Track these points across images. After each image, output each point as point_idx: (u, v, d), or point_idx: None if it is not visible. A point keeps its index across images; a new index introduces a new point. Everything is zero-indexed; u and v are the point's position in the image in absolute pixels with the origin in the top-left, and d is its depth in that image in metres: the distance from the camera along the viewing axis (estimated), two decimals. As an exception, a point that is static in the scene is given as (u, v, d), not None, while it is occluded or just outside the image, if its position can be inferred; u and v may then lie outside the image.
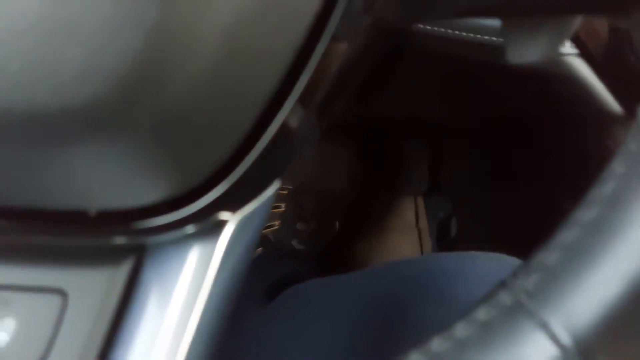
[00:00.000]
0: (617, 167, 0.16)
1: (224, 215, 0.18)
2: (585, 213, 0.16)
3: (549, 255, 0.16)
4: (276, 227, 0.86)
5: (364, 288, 0.46)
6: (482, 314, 0.17)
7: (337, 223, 0.90)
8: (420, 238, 0.98)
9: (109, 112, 0.13)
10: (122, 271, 0.18)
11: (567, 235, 0.16)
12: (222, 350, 0.20)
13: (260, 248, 0.79)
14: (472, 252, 0.46)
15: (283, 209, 0.87)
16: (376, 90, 0.55)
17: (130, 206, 0.17)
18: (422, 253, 0.97)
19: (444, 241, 0.89)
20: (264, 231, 0.84)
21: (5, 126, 0.13)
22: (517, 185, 0.73)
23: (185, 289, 0.18)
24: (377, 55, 0.23)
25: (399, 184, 0.98)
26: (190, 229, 0.18)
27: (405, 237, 0.98)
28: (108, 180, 0.15)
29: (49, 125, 0.13)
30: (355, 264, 0.92)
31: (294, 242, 0.85)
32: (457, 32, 0.39)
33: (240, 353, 0.49)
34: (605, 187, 0.16)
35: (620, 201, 0.15)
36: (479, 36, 0.39)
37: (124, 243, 0.18)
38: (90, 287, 0.18)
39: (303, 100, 0.18)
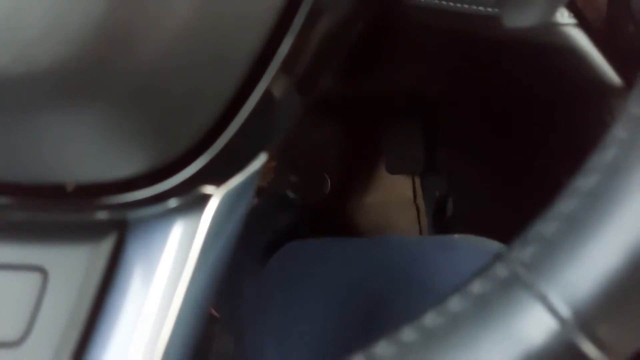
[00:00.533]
0: (619, 132, 0.15)
1: (207, 189, 0.17)
2: (585, 181, 0.15)
3: (546, 226, 0.15)
4: (270, 179, 0.88)
5: (357, 264, 0.46)
6: (476, 287, 0.16)
7: (327, 178, 0.93)
8: (418, 215, 0.98)
9: (78, 75, 0.12)
10: (104, 248, 0.18)
11: (565, 204, 0.15)
12: (221, 308, 0.19)
13: (257, 199, 0.80)
14: (458, 239, 0.45)
15: (276, 163, 0.89)
16: (366, 64, 0.54)
17: (109, 179, 0.16)
18: (420, 230, 0.97)
19: (440, 219, 0.89)
20: (260, 182, 0.86)
21: None
22: (514, 162, 0.72)
23: (169, 265, 0.18)
24: (362, 25, 0.22)
25: (395, 162, 0.97)
26: (172, 203, 0.17)
27: (403, 213, 0.98)
28: (83, 151, 0.15)
29: (13, 91, 0.12)
30: (351, 228, 0.93)
31: (288, 192, 0.88)
32: (449, 2, 0.38)
33: (239, 311, 0.50)
34: (605, 154, 0.15)
35: (622, 168, 0.15)
36: (473, 7, 0.38)
37: (105, 219, 0.17)
38: (71, 264, 0.17)
39: (285, 68, 0.17)
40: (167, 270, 0.18)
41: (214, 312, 0.72)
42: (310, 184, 0.91)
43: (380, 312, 0.40)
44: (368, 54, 0.47)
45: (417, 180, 1.00)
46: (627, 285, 0.14)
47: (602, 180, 0.15)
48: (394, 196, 0.99)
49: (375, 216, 0.98)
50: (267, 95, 0.17)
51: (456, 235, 0.47)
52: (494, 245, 0.42)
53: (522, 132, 0.67)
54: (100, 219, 0.17)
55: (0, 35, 0.11)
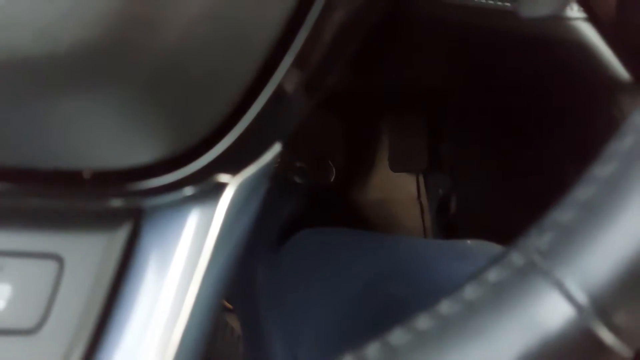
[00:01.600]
0: (637, 120, 0.15)
1: (223, 177, 0.18)
2: (603, 169, 0.15)
3: (563, 213, 0.15)
4: (277, 165, 0.90)
5: (370, 262, 0.46)
6: (492, 275, 0.16)
7: (332, 166, 0.95)
8: (422, 213, 0.98)
9: (98, 56, 0.12)
10: (119, 235, 0.18)
11: (582, 192, 0.15)
12: (233, 297, 0.19)
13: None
14: (471, 246, 0.45)
15: (283, 150, 0.91)
16: (377, 57, 0.54)
17: (126, 166, 0.16)
18: (424, 228, 0.97)
19: (443, 218, 0.89)
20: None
21: None
22: (518, 159, 0.72)
23: (185, 254, 0.18)
24: (374, 21, 0.22)
25: (398, 159, 0.98)
26: (188, 191, 0.17)
27: (406, 210, 0.99)
28: (101, 136, 0.15)
29: (33, 74, 0.12)
30: (356, 222, 0.94)
31: (295, 178, 0.89)
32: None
33: (250, 300, 0.50)
34: (624, 141, 0.15)
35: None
36: (482, 1, 0.38)
37: (121, 206, 0.18)
38: (88, 252, 0.17)
39: (301, 59, 0.17)
40: (182, 260, 0.18)
41: (224, 301, 0.72)
42: (316, 170, 0.93)
43: (392, 315, 0.40)
44: (379, 47, 0.47)
45: (422, 178, 1.00)
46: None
47: (619, 167, 0.15)
48: (398, 193, 0.99)
49: (379, 212, 0.99)
50: (284, 84, 0.17)
51: (469, 241, 0.47)
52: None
53: (528, 128, 0.67)
54: (116, 206, 0.17)
55: (21, 16, 0.11)
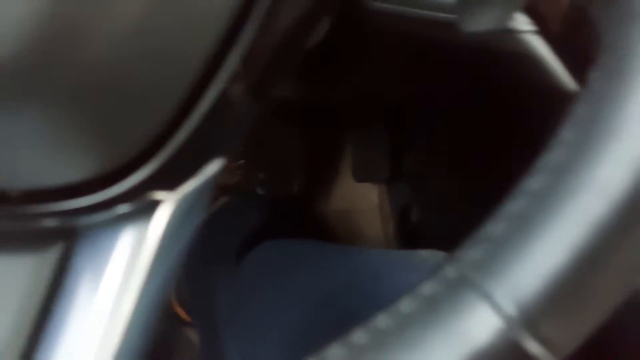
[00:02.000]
0: (566, 133, 0.15)
1: (158, 194, 0.17)
2: (532, 182, 0.16)
3: (495, 226, 0.16)
4: (239, 177, 0.90)
5: (329, 275, 0.47)
6: (427, 288, 0.16)
7: (295, 177, 0.95)
8: (384, 222, 0.99)
9: (19, 75, 0.12)
10: (50, 256, 0.17)
11: (513, 205, 0.16)
12: (191, 311, 0.19)
13: (226, 197, 0.81)
14: (425, 256, 0.46)
15: (244, 161, 0.91)
16: (328, 69, 0.54)
17: (55, 185, 0.16)
18: (386, 237, 0.98)
19: (405, 227, 0.90)
20: (229, 181, 0.88)
21: None
22: (475, 168, 0.73)
23: (119, 274, 0.17)
24: (322, 29, 0.22)
25: (361, 169, 0.98)
26: (122, 209, 0.17)
27: (369, 220, 0.99)
28: (26, 154, 0.14)
29: None
30: (318, 232, 0.95)
31: (258, 189, 0.89)
32: (410, 8, 0.39)
33: (209, 314, 0.50)
34: (553, 155, 0.15)
35: (568, 169, 0.15)
36: (433, 13, 0.38)
37: (52, 226, 0.17)
38: (17, 274, 0.17)
39: (241, 69, 0.17)
40: (116, 279, 0.17)
41: (183, 314, 0.71)
42: (279, 181, 0.93)
43: (347, 329, 0.40)
44: (330, 58, 0.47)
45: (384, 187, 1.01)
46: (570, 283, 0.15)
47: (548, 180, 0.15)
48: (361, 203, 1.00)
49: (342, 222, 0.99)
50: (222, 97, 0.17)
51: (423, 252, 0.47)
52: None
53: (483, 138, 0.68)
54: (47, 226, 0.17)
55: None
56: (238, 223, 0.73)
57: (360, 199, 1.01)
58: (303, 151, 1.01)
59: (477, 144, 0.70)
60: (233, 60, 0.16)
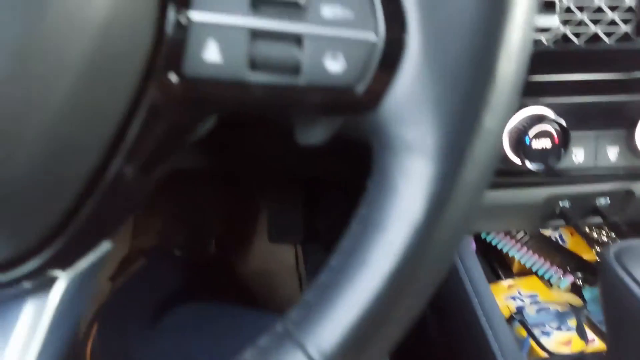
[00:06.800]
0: (354, 227, 0.22)
1: (55, 272, 0.22)
2: (334, 260, 0.22)
3: (309, 293, 0.22)
4: (156, 240, 0.90)
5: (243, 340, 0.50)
6: (263, 341, 0.22)
7: (212, 238, 0.96)
8: (300, 283, 1.03)
9: None
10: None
11: (322, 277, 0.22)
12: None
13: (143, 259, 0.81)
14: None
15: (161, 224, 0.91)
16: (229, 143, 0.59)
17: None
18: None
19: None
20: (146, 243, 0.88)
21: None
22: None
23: (20, 340, 0.22)
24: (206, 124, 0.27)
25: (276, 231, 1.02)
26: (23, 286, 0.21)
27: (285, 280, 1.03)
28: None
29: None
30: (236, 292, 0.96)
31: (175, 251, 0.89)
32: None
33: None
34: (345, 242, 0.22)
35: (355, 252, 0.21)
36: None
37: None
38: None
39: (128, 161, 0.21)
40: (17, 345, 0.22)
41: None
42: (196, 243, 0.94)
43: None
44: (225, 135, 0.52)
45: (300, 248, 1.06)
46: (360, 335, 0.21)
47: (342, 259, 0.21)
48: (277, 264, 1.04)
49: (258, 282, 1.02)
50: (113, 183, 0.21)
51: None
52: None
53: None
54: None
55: None
56: (155, 285, 0.74)
57: (276, 259, 1.05)
58: (219, 213, 1.03)
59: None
60: (122, 153, 0.21)
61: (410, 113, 0.20)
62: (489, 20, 0.18)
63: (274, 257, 1.05)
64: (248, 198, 1.05)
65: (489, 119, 0.19)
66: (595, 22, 0.41)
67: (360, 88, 0.20)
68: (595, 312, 0.53)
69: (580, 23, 0.41)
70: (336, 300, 0.21)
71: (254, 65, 0.20)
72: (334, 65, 0.20)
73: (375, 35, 0.19)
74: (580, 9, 0.40)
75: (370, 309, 0.21)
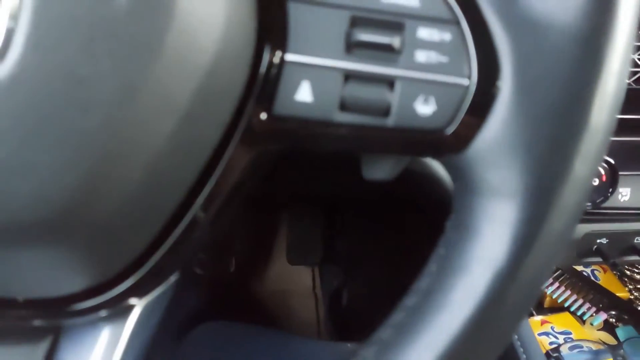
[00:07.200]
0: (432, 267, 0.22)
1: (132, 300, 0.22)
2: (410, 299, 0.22)
3: (384, 332, 0.22)
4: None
5: None
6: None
7: (233, 257, 0.96)
8: (316, 304, 1.03)
9: (50, 226, 0.17)
10: (40, 349, 0.21)
11: (397, 316, 0.22)
12: None
13: None
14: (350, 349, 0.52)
15: None
16: (273, 172, 0.60)
17: (55, 296, 0.20)
18: (318, 319, 1.02)
19: (336, 309, 0.94)
20: None
21: None
22: (407, 257, 0.80)
23: (96, 364, 0.22)
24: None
25: (295, 253, 1.03)
26: (102, 313, 0.21)
27: (302, 302, 1.03)
28: (36, 275, 0.19)
29: (5, 234, 0.16)
30: (254, 313, 0.96)
31: (196, 269, 0.90)
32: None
33: None
34: (422, 282, 0.22)
35: (435, 292, 0.21)
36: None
37: (43, 325, 0.22)
38: (11, 363, 0.21)
39: (204, 207, 0.22)
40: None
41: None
42: (216, 261, 0.95)
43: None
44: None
45: (317, 270, 1.06)
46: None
47: (419, 300, 0.21)
48: (295, 285, 1.04)
49: (276, 303, 1.02)
50: (191, 222, 0.21)
51: (349, 345, 0.52)
52: None
53: (411, 231, 0.75)
54: (38, 325, 0.21)
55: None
56: (177, 303, 0.75)
57: (294, 280, 1.05)
58: (241, 232, 1.04)
59: (408, 236, 0.77)
60: (201, 198, 0.21)
61: (498, 157, 0.20)
62: (585, 69, 0.19)
63: (291, 277, 1.05)
64: (268, 220, 1.05)
65: (580, 166, 0.19)
66: (645, 63, 0.41)
67: (449, 131, 0.20)
68: (631, 352, 0.53)
69: (632, 63, 0.41)
70: (415, 340, 0.21)
71: (343, 106, 0.20)
72: (424, 108, 0.20)
73: (468, 80, 0.20)
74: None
75: (449, 352, 0.21)
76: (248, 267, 1.03)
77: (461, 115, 0.20)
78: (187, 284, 0.84)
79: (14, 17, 0.15)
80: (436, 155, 0.22)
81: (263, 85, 0.20)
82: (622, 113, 0.43)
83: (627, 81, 0.41)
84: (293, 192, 0.87)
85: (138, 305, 0.23)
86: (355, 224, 0.99)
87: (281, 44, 0.19)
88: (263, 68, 0.19)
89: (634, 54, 0.41)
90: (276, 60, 0.19)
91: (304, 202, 0.98)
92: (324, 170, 0.66)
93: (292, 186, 0.74)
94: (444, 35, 0.20)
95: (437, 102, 0.20)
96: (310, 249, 1.05)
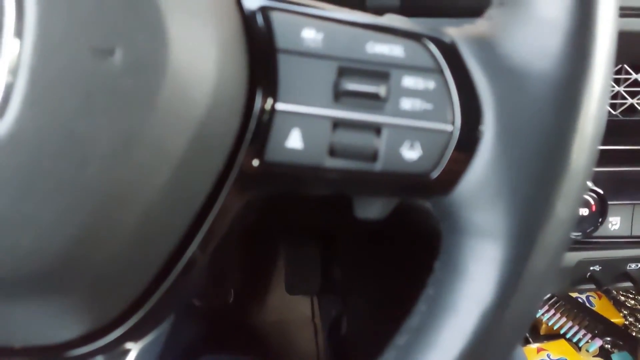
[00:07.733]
0: (421, 306, 0.22)
1: (129, 345, 0.23)
2: (400, 339, 0.22)
3: (400, 338, 0.22)
4: None
5: None
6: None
7: (231, 288, 0.96)
8: (315, 333, 1.03)
9: (47, 279, 0.17)
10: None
11: (388, 355, 0.22)
12: None
13: None
14: None
15: None
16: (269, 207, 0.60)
17: (51, 343, 0.21)
18: (317, 348, 1.01)
19: (335, 338, 0.94)
20: None
21: None
22: (405, 285, 0.80)
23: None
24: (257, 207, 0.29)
25: (294, 283, 1.02)
26: (99, 358, 0.22)
27: (301, 331, 1.02)
28: (34, 324, 0.20)
29: (3, 286, 0.17)
30: (253, 343, 0.95)
31: (194, 300, 0.90)
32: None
33: None
34: (412, 321, 0.22)
35: (423, 331, 0.22)
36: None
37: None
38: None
39: (199, 250, 0.23)
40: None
41: None
42: (215, 292, 0.95)
43: None
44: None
45: (316, 300, 1.06)
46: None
47: (410, 339, 0.22)
48: (293, 314, 1.04)
49: (275, 332, 1.01)
50: (187, 265, 0.22)
51: None
52: None
53: (408, 259, 0.75)
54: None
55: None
56: (176, 335, 0.75)
57: (293, 310, 1.05)
58: (240, 263, 1.04)
59: (399, 262, 0.77)
60: (197, 241, 0.22)
61: (483, 198, 0.21)
62: (564, 114, 0.19)
63: (290, 307, 1.05)
64: (266, 250, 1.05)
65: (561, 207, 0.20)
66: (631, 94, 0.42)
67: (435, 174, 0.21)
68: (628, 377, 0.53)
69: (617, 95, 0.42)
70: (430, 343, 0.21)
71: (333, 152, 0.21)
72: (410, 153, 0.21)
73: (452, 125, 0.21)
74: (617, 81, 0.42)
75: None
76: (247, 297, 1.03)
77: (446, 159, 0.21)
78: (185, 316, 0.84)
79: (13, 72, 0.16)
80: (423, 197, 0.22)
81: (255, 133, 0.20)
82: (611, 144, 0.44)
83: (615, 112, 0.43)
84: (289, 223, 0.87)
85: (134, 349, 0.23)
86: (352, 252, 1.00)
87: (272, 94, 0.20)
88: (254, 117, 0.20)
89: (620, 86, 0.42)
90: (267, 109, 0.20)
91: (301, 231, 0.98)
92: (318, 204, 0.67)
93: (287, 218, 0.74)
94: (428, 84, 0.21)
95: (423, 147, 0.21)
96: (308, 278, 1.05)
